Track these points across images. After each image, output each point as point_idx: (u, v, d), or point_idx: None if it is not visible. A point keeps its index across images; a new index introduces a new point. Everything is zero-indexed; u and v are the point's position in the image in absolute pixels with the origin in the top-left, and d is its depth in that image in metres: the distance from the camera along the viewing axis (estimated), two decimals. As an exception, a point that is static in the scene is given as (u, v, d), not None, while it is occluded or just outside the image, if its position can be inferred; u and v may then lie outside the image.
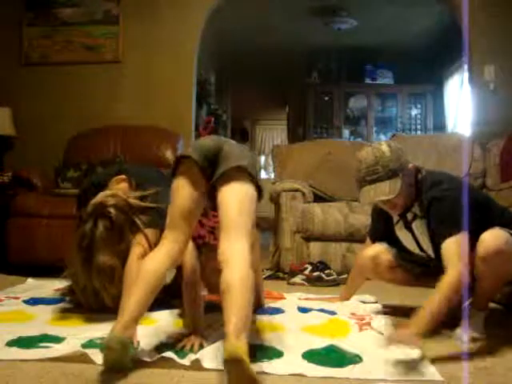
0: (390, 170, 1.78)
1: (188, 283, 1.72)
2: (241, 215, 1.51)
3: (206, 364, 1.46)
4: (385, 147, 1.83)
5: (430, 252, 1.91)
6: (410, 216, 1.91)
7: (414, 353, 1.55)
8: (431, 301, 1.60)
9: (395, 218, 1.99)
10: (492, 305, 2.06)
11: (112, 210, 1.89)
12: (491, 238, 1.67)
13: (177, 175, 1.62)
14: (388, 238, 2.09)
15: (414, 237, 1.95)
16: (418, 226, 1.89)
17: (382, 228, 2.11)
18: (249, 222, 1.52)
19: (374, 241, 2.19)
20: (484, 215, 1.79)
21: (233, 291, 1.33)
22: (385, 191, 1.78)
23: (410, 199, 1.87)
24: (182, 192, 1.59)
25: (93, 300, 1.98)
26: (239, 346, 1.21)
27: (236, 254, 1.43)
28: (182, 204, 1.59)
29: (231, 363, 1.19)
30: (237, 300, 1.32)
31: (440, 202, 1.76)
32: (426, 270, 2.03)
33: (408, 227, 1.94)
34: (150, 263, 1.54)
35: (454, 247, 1.67)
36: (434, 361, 1.53)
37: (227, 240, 1.47)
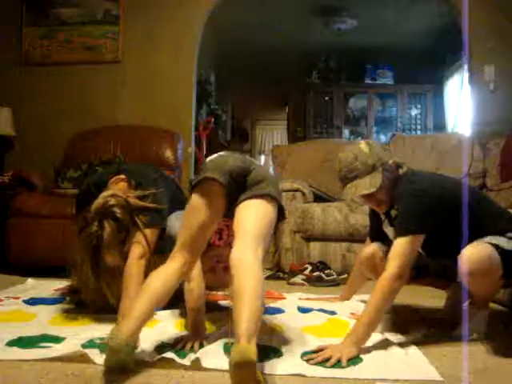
0: (368, 166, 1.81)
1: (188, 290, 1.72)
2: (256, 228, 1.48)
3: (207, 364, 1.46)
4: (363, 145, 1.87)
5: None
6: (393, 213, 1.91)
7: (408, 348, 1.58)
8: (365, 310, 1.64)
9: (382, 216, 2.01)
10: (492, 305, 2.05)
11: (117, 210, 1.89)
12: (471, 254, 1.62)
13: (197, 193, 1.57)
14: (383, 237, 2.09)
15: None
16: None
17: (375, 227, 2.12)
18: (264, 236, 1.49)
19: (372, 240, 2.20)
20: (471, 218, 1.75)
21: (246, 296, 1.32)
22: (366, 185, 1.81)
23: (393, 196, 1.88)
24: (200, 214, 1.55)
25: (99, 300, 1.97)
26: (251, 348, 1.21)
27: (249, 259, 1.41)
28: (198, 226, 1.55)
29: (242, 366, 1.19)
30: (250, 304, 1.31)
31: (402, 199, 1.78)
32: (419, 266, 2.02)
33: (392, 224, 1.95)
34: (159, 278, 1.53)
35: (398, 248, 1.68)
36: (433, 361, 1.53)
37: (241, 247, 1.44)
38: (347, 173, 1.85)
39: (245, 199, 1.54)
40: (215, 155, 1.70)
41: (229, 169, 1.56)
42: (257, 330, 1.29)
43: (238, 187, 1.56)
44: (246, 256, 1.41)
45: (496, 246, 1.65)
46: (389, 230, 1.99)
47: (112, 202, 1.90)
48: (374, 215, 2.12)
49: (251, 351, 1.21)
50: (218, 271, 1.82)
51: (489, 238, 1.69)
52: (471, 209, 1.73)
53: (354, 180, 1.83)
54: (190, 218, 1.57)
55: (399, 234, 1.71)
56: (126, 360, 1.37)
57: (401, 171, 1.89)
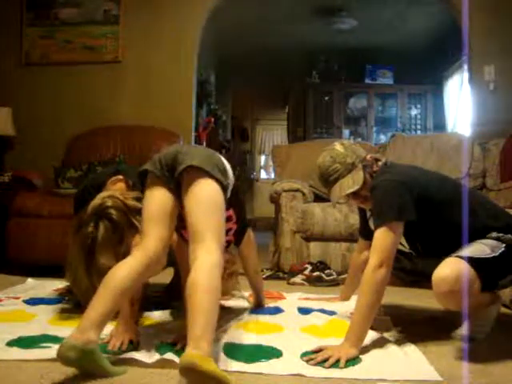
0: (348, 164, 1.82)
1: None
2: (206, 216, 1.50)
3: (206, 364, 1.46)
4: (338, 146, 1.88)
5: (405, 243, 1.92)
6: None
7: (408, 348, 1.57)
8: (356, 308, 1.63)
9: (368, 213, 2.01)
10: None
11: (113, 211, 1.89)
12: (443, 275, 1.56)
13: (144, 189, 1.66)
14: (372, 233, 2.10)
15: None
16: None
17: (364, 224, 2.13)
18: (216, 222, 1.51)
19: (362, 237, 2.20)
20: (439, 210, 1.74)
21: (196, 295, 1.34)
22: (349, 184, 1.81)
23: None
24: (151, 200, 1.61)
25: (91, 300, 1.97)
26: (194, 354, 1.23)
27: (203, 257, 1.43)
28: (151, 209, 1.60)
29: (185, 372, 1.23)
30: (198, 306, 1.33)
31: (373, 192, 1.77)
32: (413, 264, 2.02)
33: None
34: (117, 271, 1.49)
35: (376, 239, 1.67)
36: (433, 361, 1.54)
37: (196, 243, 1.47)
38: (328, 176, 1.86)
39: (178, 176, 1.57)
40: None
41: (157, 158, 1.64)
42: (208, 331, 1.30)
43: (170, 168, 1.60)
44: (200, 252, 1.44)
45: (470, 259, 1.58)
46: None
47: (109, 203, 1.90)
48: (361, 212, 2.13)
49: (195, 356, 1.22)
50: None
51: (470, 249, 1.64)
52: (454, 202, 1.73)
53: (336, 181, 1.84)
54: (144, 205, 1.63)
55: (376, 225, 1.70)
56: (89, 362, 1.33)
57: (379, 164, 1.88)
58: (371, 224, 2.00)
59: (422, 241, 1.86)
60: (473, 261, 1.58)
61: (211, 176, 1.56)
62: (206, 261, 1.42)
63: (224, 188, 1.59)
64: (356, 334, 1.59)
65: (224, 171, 1.63)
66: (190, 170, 1.55)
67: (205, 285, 1.37)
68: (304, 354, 1.57)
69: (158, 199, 1.60)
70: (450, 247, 1.68)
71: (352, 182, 1.81)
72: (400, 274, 2.07)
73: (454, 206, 1.74)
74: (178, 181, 1.59)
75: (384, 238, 1.65)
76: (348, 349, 1.55)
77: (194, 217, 1.51)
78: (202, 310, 1.33)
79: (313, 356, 1.53)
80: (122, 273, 1.47)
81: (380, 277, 1.61)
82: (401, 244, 1.93)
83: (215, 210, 1.54)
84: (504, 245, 1.66)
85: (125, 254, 1.92)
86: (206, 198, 1.54)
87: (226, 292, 1.92)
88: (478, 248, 1.65)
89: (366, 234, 2.13)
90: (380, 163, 1.88)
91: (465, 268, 1.56)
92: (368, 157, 1.88)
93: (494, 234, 1.70)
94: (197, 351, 1.24)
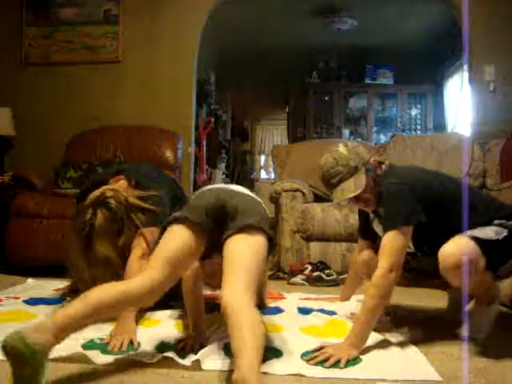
0: (351, 168, 1.81)
1: (188, 290, 1.71)
2: (243, 267, 1.40)
3: (206, 364, 1.46)
4: (341, 148, 1.86)
5: (410, 244, 1.92)
6: (382, 211, 1.91)
7: (408, 348, 1.57)
8: (361, 310, 1.63)
9: (371, 215, 2.01)
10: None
11: (112, 201, 1.91)
12: (450, 250, 1.60)
13: (174, 226, 1.52)
14: (372, 234, 2.09)
15: None
16: None
17: (364, 225, 2.12)
18: (253, 274, 1.41)
19: (362, 237, 2.20)
20: (444, 210, 1.75)
21: (245, 336, 1.21)
22: (351, 188, 1.80)
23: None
24: (173, 237, 1.50)
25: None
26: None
27: (240, 304, 1.29)
28: (171, 247, 1.48)
29: None
30: (251, 343, 1.20)
31: (383, 197, 1.77)
32: (417, 264, 2.02)
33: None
34: (106, 287, 1.39)
35: (386, 244, 1.67)
36: (433, 361, 1.54)
37: (231, 290, 1.34)
38: (331, 178, 1.84)
39: (229, 235, 1.47)
40: (197, 193, 1.71)
41: (204, 205, 1.54)
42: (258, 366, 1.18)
43: (217, 223, 1.52)
44: (237, 301, 1.30)
45: (475, 239, 1.62)
46: (379, 229, 1.99)
47: (109, 194, 1.92)
48: (362, 213, 2.12)
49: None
50: (219, 275, 1.82)
51: (475, 231, 1.68)
52: (459, 201, 1.73)
53: (338, 184, 1.83)
54: (166, 239, 1.51)
55: (385, 229, 1.70)
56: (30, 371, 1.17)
57: (383, 167, 1.88)
58: (375, 226, 2.00)
59: (429, 241, 1.85)
60: (478, 240, 1.62)
61: (263, 232, 1.50)
62: (242, 308, 1.30)
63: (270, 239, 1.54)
64: (358, 335, 1.59)
65: (268, 219, 1.59)
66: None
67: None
68: (305, 354, 1.57)
69: (181, 241, 1.49)
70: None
71: (354, 186, 1.80)
72: (405, 273, 2.07)
73: (459, 204, 1.75)
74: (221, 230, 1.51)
75: (394, 243, 1.66)
76: (349, 349, 1.55)
77: (237, 258, 1.43)
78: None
79: (314, 355, 1.53)
80: (109, 290, 1.38)
81: (390, 282, 1.63)
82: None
83: (258, 263, 1.45)
84: (506, 230, 1.68)
85: (124, 246, 1.93)
86: (254, 249, 1.46)
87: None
88: (483, 231, 1.68)
89: (366, 234, 2.14)
90: (384, 166, 1.88)
91: (471, 244, 1.60)
92: (371, 160, 1.87)
93: (497, 221, 1.72)
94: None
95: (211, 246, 1.55)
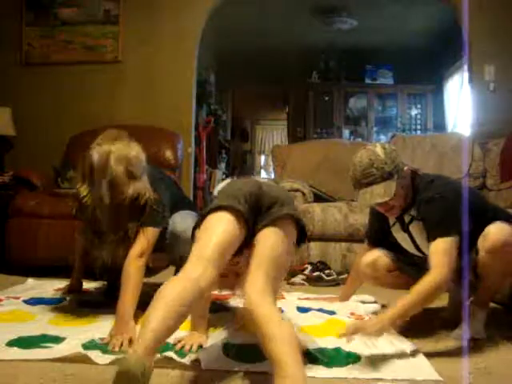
0: (384, 172, 1.78)
1: None
2: (276, 252, 1.42)
3: (206, 364, 1.46)
4: (379, 149, 1.82)
5: (412, 247, 1.93)
6: (407, 218, 1.91)
7: (408, 347, 1.58)
8: (408, 296, 1.63)
9: (391, 221, 1.99)
10: (492, 305, 2.05)
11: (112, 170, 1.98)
12: (497, 230, 1.70)
13: (214, 215, 1.46)
14: (384, 240, 2.08)
15: (411, 239, 1.94)
16: (416, 228, 1.89)
17: (378, 230, 2.11)
18: (279, 268, 1.43)
19: (372, 243, 2.18)
20: (479, 218, 1.79)
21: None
22: (380, 193, 1.78)
23: (406, 201, 1.87)
24: (220, 222, 1.44)
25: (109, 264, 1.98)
26: None
27: (262, 307, 1.30)
28: (223, 237, 1.41)
29: None
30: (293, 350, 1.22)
31: (430, 204, 1.77)
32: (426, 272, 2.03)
33: (406, 229, 1.94)
34: (176, 286, 1.37)
35: (441, 248, 1.68)
36: (433, 361, 1.54)
37: (253, 285, 1.34)
38: (362, 177, 1.80)
39: (264, 226, 1.47)
40: (223, 184, 1.68)
41: (243, 194, 1.50)
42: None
43: (254, 212, 1.50)
44: (262, 306, 1.30)
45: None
46: (399, 235, 1.98)
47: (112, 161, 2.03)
48: (377, 218, 2.07)
49: None
50: (230, 276, 1.79)
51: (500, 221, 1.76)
52: (477, 208, 1.80)
53: (368, 186, 1.80)
54: (213, 226, 1.45)
55: (436, 236, 1.70)
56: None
57: (416, 178, 1.88)
58: (396, 232, 2.00)
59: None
60: None
61: (298, 223, 1.55)
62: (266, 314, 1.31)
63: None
64: (396, 313, 1.60)
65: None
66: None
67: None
68: (306, 354, 1.56)
69: (228, 227, 1.43)
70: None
71: (383, 192, 1.78)
72: (408, 266, 2.08)
73: (489, 211, 1.86)
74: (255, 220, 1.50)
75: (448, 254, 1.67)
76: (377, 323, 1.58)
77: (264, 258, 1.42)
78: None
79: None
80: (180, 292, 1.33)
81: (440, 291, 1.66)
82: (416, 246, 1.95)
83: (286, 256, 1.48)
84: None
85: (124, 239, 1.94)
86: (282, 246, 1.46)
87: (232, 288, 1.90)
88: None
89: (377, 240, 2.13)
90: (417, 177, 1.88)
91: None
92: (406, 168, 1.86)
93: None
94: None
95: (246, 238, 1.52)
